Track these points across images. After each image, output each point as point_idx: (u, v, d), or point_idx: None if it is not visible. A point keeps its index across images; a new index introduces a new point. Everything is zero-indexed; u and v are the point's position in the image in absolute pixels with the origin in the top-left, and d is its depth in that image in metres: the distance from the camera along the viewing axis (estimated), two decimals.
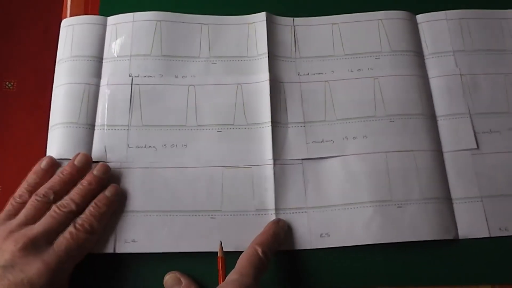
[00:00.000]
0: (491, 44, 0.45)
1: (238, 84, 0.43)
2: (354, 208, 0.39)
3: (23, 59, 1.20)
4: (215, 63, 0.43)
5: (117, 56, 0.43)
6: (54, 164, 0.38)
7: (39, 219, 0.34)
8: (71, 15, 0.46)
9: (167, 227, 0.38)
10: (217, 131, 0.41)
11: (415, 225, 0.39)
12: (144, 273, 0.37)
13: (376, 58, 0.44)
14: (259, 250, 0.34)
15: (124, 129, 0.41)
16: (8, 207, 0.35)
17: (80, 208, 0.36)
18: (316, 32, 0.45)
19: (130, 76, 0.43)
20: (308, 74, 0.44)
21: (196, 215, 0.38)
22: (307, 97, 0.43)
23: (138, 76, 0.43)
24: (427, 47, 0.45)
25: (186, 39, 0.44)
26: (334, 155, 0.41)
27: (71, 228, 0.34)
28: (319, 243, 0.38)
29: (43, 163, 0.38)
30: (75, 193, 0.36)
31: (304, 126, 0.41)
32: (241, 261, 0.33)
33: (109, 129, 0.41)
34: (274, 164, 0.40)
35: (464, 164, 0.41)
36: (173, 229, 0.38)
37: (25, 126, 1.11)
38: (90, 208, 0.36)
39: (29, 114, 1.12)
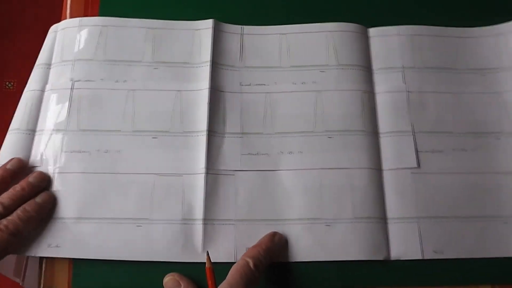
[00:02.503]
0: (443, 62, 0.44)
1: (178, 91, 0.42)
2: (282, 224, 0.38)
3: (23, 59, 1.22)
4: (157, 68, 0.43)
5: (62, 61, 0.43)
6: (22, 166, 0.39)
7: None
8: (71, 16, 0.46)
9: (93, 234, 0.38)
10: (153, 137, 0.41)
11: (343, 245, 0.38)
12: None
13: (321, 71, 0.43)
14: (251, 263, 0.34)
15: (61, 134, 0.41)
16: None
17: (7, 210, 0.36)
18: (264, 41, 0.45)
19: (71, 80, 0.42)
20: (250, 84, 0.43)
21: (123, 223, 0.38)
22: (247, 108, 0.42)
23: (79, 80, 0.42)
24: (376, 62, 0.44)
25: (130, 43, 0.44)
26: (268, 169, 0.40)
27: None
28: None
29: (10, 163, 0.39)
30: (6, 195, 0.36)
31: (241, 137, 0.41)
32: (232, 273, 0.33)
33: (47, 134, 0.41)
34: (207, 173, 0.39)
35: (403, 183, 0.40)
36: (99, 236, 0.38)
37: None
38: (18, 211, 0.36)
39: None
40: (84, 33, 0.44)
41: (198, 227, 0.38)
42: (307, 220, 0.39)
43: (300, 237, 0.38)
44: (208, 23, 0.45)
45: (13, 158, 0.39)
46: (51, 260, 0.38)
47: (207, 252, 0.36)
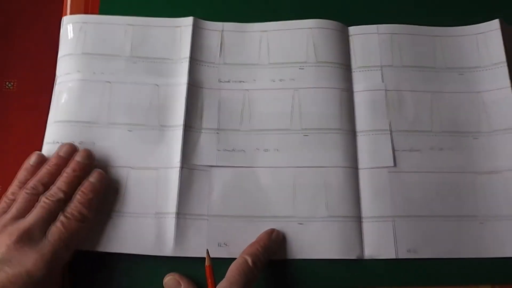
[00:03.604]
0: (421, 61, 0.44)
1: (156, 85, 0.42)
2: (256, 221, 0.38)
3: (23, 59, 1.22)
4: (135, 63, 0.43)
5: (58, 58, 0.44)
6: (43, 160, 0.38)
7: (30, 212, 0.35)
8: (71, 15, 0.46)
9: None
10: (128, 130, 0.41)
11: (316, 243, 0.38)
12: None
13: (300, 68, 0.43)
14: (249, 260, 0.34)
15: (49, 126, 0.41)
16: (2, 204, 0.36)
17: (68, 195, 0.36)
18: (244, 38, 0.45)
19: (56, 76, 0.43)
20: (229, 81, 0.43)
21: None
22: (224, 104, 0.42)
23: (61, 75, 0.43)
24: (356, 60, 0.44)
25: (110, 39, 0.44)
26: (243, 165, 0.40)
27: (61, 217, 0.34)
28: (216, 252, 0.37)
29: (31, 160, 0.38)
30: (61, 181, 0.36)
31: (218, 133, 0.41)
32: (231, 270, 0.34)
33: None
34: (181, 168, 0.39)
35: (379, 182, 0.40)
36: None
37: (25, 126, 1.12)
38: (78, 196, 0.36)
39: (29, 114, 1.12)
40: (65, 31, 0.44)
41: (171, 221, 0.38)
42: (280, 218, 0.39)
43: None
44: (188, 20, 0.45)
45: (64, 144, 0.39)
46: None
47: (207, 250, 0.36)
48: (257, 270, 0.34)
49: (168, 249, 0.37)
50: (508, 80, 0.43)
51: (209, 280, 0.34)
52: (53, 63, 0.44)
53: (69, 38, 0.44)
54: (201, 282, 0.37)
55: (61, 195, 0.35)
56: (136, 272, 0.38)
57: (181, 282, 0.36)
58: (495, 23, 0.45)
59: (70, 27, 0.44)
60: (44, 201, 0.35)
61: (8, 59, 1.22)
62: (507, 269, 0.38)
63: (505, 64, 0.43)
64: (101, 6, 0.46)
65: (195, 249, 0.37)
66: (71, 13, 0.46)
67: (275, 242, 0.37)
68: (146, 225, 0.38)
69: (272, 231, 0.38)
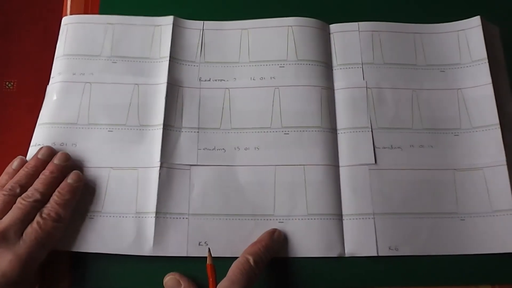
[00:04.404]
0: (402, 58, 0.44)
1: (136, 84, 0.42)
2: (236, 219, 0.38)
3: (23, 59, 1.21)
4: (115, 62, 0.43)
5: None
6: (25, 164, 0.39)
7: (7, 213, 0.35)
8: (71, 15, 0.46)
9: None
10: (108, 131, 0.40)
11: (297, 242, 0.38)
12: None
13: (280, 66, 0.43)
14: (251, 260, 0.34)
15: (36, 129, 0.41)
16: None
17: (45, 196, 0.36)
18: (225, 37, 0.45)
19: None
20: (210, 80, 0.43)
21: (75, 214, 0.38)
22: (205, 103, 0.42)
23: (51, 77, 0.43)
24: (337, 58, 0.44)
25: (90, 39, 0.44)
26: (224, 164, 0.40)
27: (38, 218, 0.34)
28: (196, 251, 0.37)
29: (14, 164, 0.38)
30: (38, 183, 0.36)
31: (198, 132, 0.41)
32: (233, 269, 0.34)
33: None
34: (161, 167, 0.39)
35: (360, 179, 0.40)
36: None
37: (25, 126, 1.11)
38: (54, 196, 0.36)
39: (29, 114, 1.11)
40: (61, 32, 0.45)
41: (150, 220, 0.38)
42: (261, 216, 0.38)
43: (253, 233, 0.38)
44: (169, 19, 0.44)
45: (42, 147, 0.39)
46: None
47: (208, 248, 0.36)
48: (258, 270, 0.34)
49: (147, 248, 0.37)
50: (489, 77, 0.43)
51: (210, 279, 0.34)
52: (52, 63, 0.44)
53: (59, 39, 0.44)
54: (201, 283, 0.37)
55: (37, 196, 0.35)
56: (134, 272, 0.38)
57: (181, 282, 0.36)
58: (476, 20, 0.45)
59: (64, 28, 0.45)
60: (20, 202, 0.35)
61: (8, 59, 1.21)
62: (507, 269, 0.38)
63: (486, 61, 0.43)
64: (101, 6, 0.46)
65: (175, 248, 0.37)
66: (71, 13, 0.46)
67: (277, 242, 0.37)
68: (126, 225, 0.38)
69: (273, 231, 0.38)
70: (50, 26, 1.23)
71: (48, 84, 0.43)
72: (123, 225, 0.38)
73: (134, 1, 0.47)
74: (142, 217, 0.38)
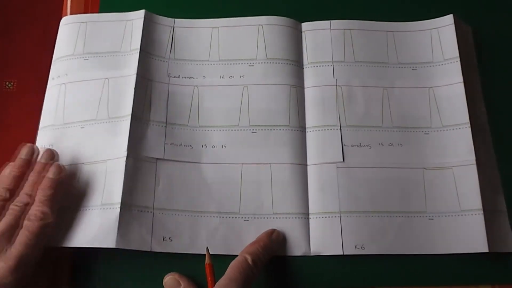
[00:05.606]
0: (374, 56, 0.44)
1: (106, 78, 0.42)
2: (200, 216, 0.38)
3: (23, 59, 1.22)
4: (87, 59, 0.43)
5: None
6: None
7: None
8: (71, 15, 0.47)
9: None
10: (81, 128, 0.41)
11: None
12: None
13: (249, 65, 0.43)
14: (249, 259, 0.34)
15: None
16: None
17: (33, 198, 0.36)
18: (195, 34, 0.45)
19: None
20: (179, 76, 0.43)
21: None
22: (173, 99, 0.42)
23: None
24: (308, 56, 0.44)
25: (65, 39, 0.44)
26: (190, 160, 0.40)
27: (26, 221, 0.34)
28: (160, 247, 0.37)
29: (6, 172, 0.38)
30: (26, 185, 0.36)
31: (165, 127, 0.41)
32: (231, 268, 0.34)
33: None
34: (127, 157, 0.39)
35: (327, 177, 0.40)
36: None
37: (25, 126, 1.12)
38: (38, 195, 0.36)
39: (29, 114, 1.12)
40: None
41: (115, 211, 0.37)
42: (225, 213, 0.38)
43: (217, 230, 0.38)
44: (140, 13, 0.45)
45: (24, 147, 0.39)
46: None
47: (207, 248, 0.36)
48: (256, 269, 0.34)
49: (111, 241, 0.36)
50: (461, 76, 0.42)
51: (209, 278, 0.35)
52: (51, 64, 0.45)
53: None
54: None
55: (28, 199, 0.36)
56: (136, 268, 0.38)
57: (180, 282, 0.36)
58: (449, 19, 0.45)
59: (60, 30, 0.46)
60: (12, 208, 0.35)
61: (8, 59, 1.22)
62: (507, 269, 0.38)
63: (458, 59, 0.43)
64: (101, 6, 0.47)
65: (139, 242, 0.37)
66: (71, 13, 0.47)
67: (275, 242, 0.37)
68: (92, 217, 0.37)
69: (272, 231, 0.38)
70: (50, 26, 1.24)
71: (47, 85, 0.44)
72: (89, 217, 0.37)
73: (134, 1, 0.47)
74: (107, 208, 0.37)
